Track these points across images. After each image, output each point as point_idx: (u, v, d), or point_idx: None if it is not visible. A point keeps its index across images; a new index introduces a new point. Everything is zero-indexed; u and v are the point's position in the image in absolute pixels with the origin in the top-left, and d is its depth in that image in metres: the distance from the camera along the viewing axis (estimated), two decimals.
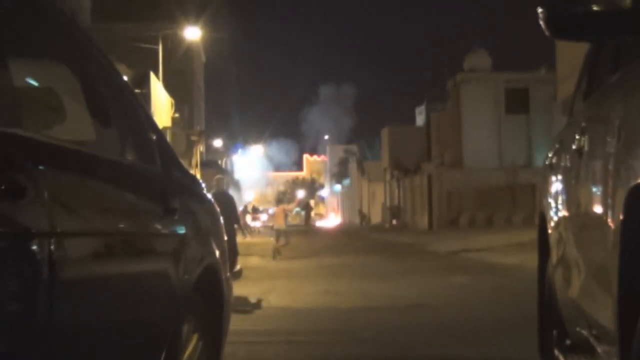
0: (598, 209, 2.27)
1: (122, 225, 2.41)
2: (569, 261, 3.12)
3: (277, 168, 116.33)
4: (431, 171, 44.20)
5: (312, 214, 25.39)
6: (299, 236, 41.40)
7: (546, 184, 3.88)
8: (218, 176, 15.20)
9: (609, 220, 2.04)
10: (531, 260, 17.69)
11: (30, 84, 2.40)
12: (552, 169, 3.69)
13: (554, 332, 3.78)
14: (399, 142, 54.88)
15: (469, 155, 43.31)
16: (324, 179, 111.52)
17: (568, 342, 3.45)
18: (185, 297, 2.88)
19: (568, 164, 3.13)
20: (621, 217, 1.82)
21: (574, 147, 2.81)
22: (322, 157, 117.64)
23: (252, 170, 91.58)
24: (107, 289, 2.23)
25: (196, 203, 3.35)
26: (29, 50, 2.30)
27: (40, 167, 1.89)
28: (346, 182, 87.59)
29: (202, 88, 59.97)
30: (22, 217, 1.77)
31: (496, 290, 12.02)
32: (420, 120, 61.76)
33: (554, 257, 3.54)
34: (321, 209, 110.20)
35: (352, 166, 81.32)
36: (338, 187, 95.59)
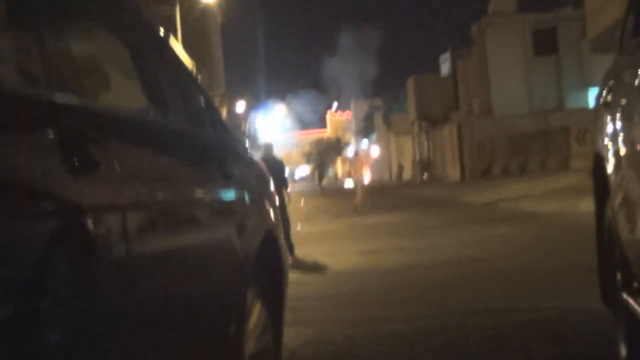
0: None
1: (187, 193, 2.43)
2: (637, 202, 3.09)
3: (303, 126, 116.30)
4: (460, 121, 43.94)
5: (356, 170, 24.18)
6: (329, 198, 41.45)
7: (601, 123, 3.83)
8: (266, 142, 15.16)
9: None
10: (570, 206, 17.66)
11: (76, 51, 2.40)
12: (609, 107, 3.65)
13: (618, 276, 3.77)
14: (425, 92, 54.53)
15: (498, 102, 42.95)
16: (349, 137, 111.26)
17: (636, 284, 3.44)
18: (250, 263, 2.90)
19: (631, 101, 3.09)
20: None
21: (637, 82, 2.77)
22: (347, 114, 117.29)
23: (275, 132, 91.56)
24: (176, 260, 2.25)
25: (247, 167, 3.36)
26: (77, 17, 2.30)
27: (110, 140, 1.90)
28: (373, 137, 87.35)
29: (220, 49, 59.81)
30: (96, 191, 1.78)
31: (538, 239, 12.00)
32: (445, 68, 61.25)
33: (617, 198, 3.51)
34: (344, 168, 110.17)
35: (378, 120, 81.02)
36: (365, 143, 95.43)
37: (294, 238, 12.58)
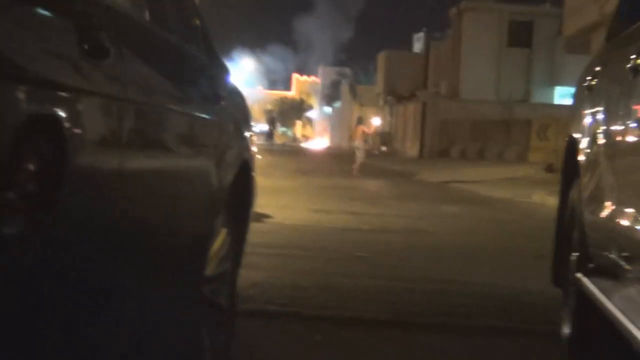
0: None
1: (183, 105, 2.41)
2: (607, 184, 3.14)
3: (269, 85, 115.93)
4: (426, 99, 44.09)
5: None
6: (285, 156, 41.45)
7: (581, 107, 3.87)
8: None
9: None
10: (523, 195, 17.91)
11: None
12: (591, 90, 3.68)
13: (574, 257, 3.83)
14: (395, 68, 54.57)
15: (466, 86, 43.18)
16: (314, 101, 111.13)
17: (591, 265, 3.50)
18: (224, 191, 2.91)
19: (616, 85, 3.13)
20: None
21: (628, 66, 2.80)
22: (313, 78, 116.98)
23: (240, 86, 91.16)
24: (158, 169, 2.24)
25: (233, 95, 3.35)
26: None
27: (120, 33, 1.88)
28: (337, 105, 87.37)
29: None
30: (103, 78, 1.76)
31: (489, 222, 12.16)
32: (417, 47, 61.27)
33: (587, 180, 3.56)
34: (308, 130, 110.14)
35: (345, 89, 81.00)
36: (328, 109, 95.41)
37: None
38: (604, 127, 3.28)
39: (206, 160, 2.73)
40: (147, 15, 2.38)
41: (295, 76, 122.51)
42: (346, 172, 26.16)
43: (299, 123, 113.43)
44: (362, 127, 27.74)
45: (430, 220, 11.70)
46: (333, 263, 7.23)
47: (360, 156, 26.09)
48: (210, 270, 2.96)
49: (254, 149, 3.56)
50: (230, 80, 3.42)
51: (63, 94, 1.64)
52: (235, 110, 3.26)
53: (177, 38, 2.68)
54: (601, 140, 3.29)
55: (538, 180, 20.71)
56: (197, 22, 2.99)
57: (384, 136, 53.68)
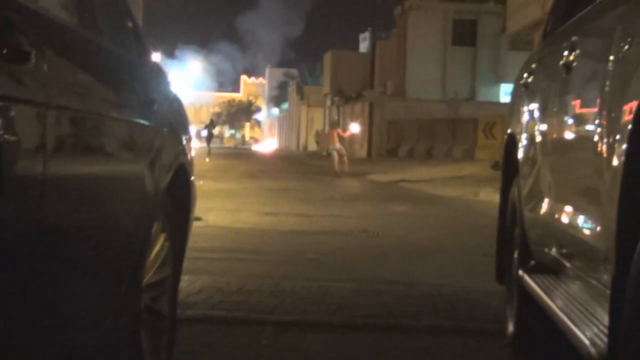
0: (592, 125, 2.29)
1: (107, 110, 2.37)
2: (544, 181, 3.17)
3: (216, 87, 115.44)
4: (373, 99, 44.32)
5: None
6: (234, 158, 41.31)
7: (518, 104, 3.91)
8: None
9: (609, 137, 2.06)
10: (470, 193, 18.07)
11: None
12: (528, 88, 3.72)
13: (516, 254, 3.87)
14: (341, 68, 54.75)
15: (412, 86, 43.50)
16: (262, 103, 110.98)
17: (532, 262, 3.54)
18: (160, 195, 2.87)
19: (550, 82, 3.16)
20: (630, 127, 1.84)
21: (560, 62, 2.83)
22: (261, 80, 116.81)
23: (188, 89, 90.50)
24: (86, 177, 2.19)
25: (168, 98, 3.31)
26: None
27: (42, 36, 1.83)
28: (285, 106, 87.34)
29: None
30: (23, 83, 1.71)
31: (437, 220, 12.26)
32: (363, 47, 61.57)
33: (525, 177, 3.59)
34: (257, 132, 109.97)
35: (292, 90, 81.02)
36: (276, 111, 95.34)
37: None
38: (540, 124, 3.31)
39: (136, 164, 2.69)
40: (71, 16, 2.34)
41: (244, 78, 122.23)
42: (295, 174, 26.16)
43: (247, 125, 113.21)
44: (338, 130, 28.98)
45: (379, 221, 11.74)
46: (281, 266, 7.21)
47: (337, 155, 27.19)
48: (148, 276, 2.92)
49: (192, 152, 3.52)
50: (165, 83, 3.38)
51: None
52: (170, 113, 3.23)
53: (105, 39, 2.64)
54: (537, 137, 3.32)
55: (485, 178, 20.92)
56: (129, 22, 2.95)
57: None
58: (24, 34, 1.74)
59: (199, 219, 10.58)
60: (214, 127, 32.46)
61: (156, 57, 41.31)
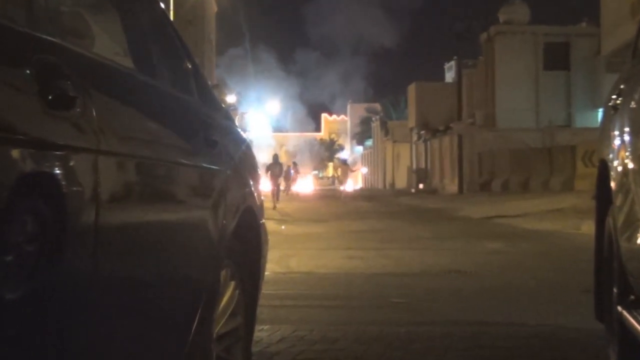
0: None
1: (165, 155, 2.40)
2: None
3: (297, 127, 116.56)
4: (462, 131, 44.01)
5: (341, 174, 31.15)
6: (317, 200, 41.48)
7: (608, 128, 3.82)
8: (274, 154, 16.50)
9: None
10: (571, 227, 17.70)
11: (59, 8, 2.40)
12: (617, 111, 3.64)
13: (615, 290, 3.76)
14: (426, 100, 54.64)
15: (503, 115, 43.08)
16: (344, 140, 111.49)
17: (632, 297, 3.43)
18: (226, 240, 2.89)
19: None
20: None
21: None
22: (342, 117, 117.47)
23: (267, 131, 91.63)
24: (147, 227, 2.22)
25: (233, 139, 3.35)
26: None
27: (88, 80, 1.87)
28: (369, 143, 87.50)
29: (213, 40, 59.83)
30: (71, 128, 1.75)
31: (534, 257, 12.03)
32: (449, 77, 61.37)
33: (620, 206, 3.49)
34: (336, 173, 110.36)
35: (375, 126, 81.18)
36: (359, 148, 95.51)
37: (278, 238, 12.51)
38: (632, 149, 3.23)
39: (199, 210, 2.72)
40: (127, 59, 2.39)
41: (324, 116, 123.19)
42: (383, 214, 26.12)
43: (330, 165, 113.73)
44: (347, 167, 32.94)
45: (472, 259, 11.60)
46: (367, 311, 7.17)
47: (347, 188, 30.39)
48: (219, 327, 2.94)
49: (262, 195, 3.55)
50: (230, 124, 3.42)
51: (50, 151, 1.67)
52: (236, 154, 3.26)
53: (161, 81, 2.68)
54: (630, 162, 3.23)
55: (587, 209, 20.45)
56: (187, 63, 3.01)
57: (419, 173, 53.56)
58: (69, 79, 1.78)
59: (296, 265, 10.67)
60: (279, 165, 31.51)
61: (231, 99, 40.97)
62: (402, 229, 18.77)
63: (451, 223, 21.16)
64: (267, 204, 21.68)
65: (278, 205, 26.11)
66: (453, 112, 48.35)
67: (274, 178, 30.29)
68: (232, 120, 3.60)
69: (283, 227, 19.84)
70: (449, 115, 49.19)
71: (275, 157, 31.25)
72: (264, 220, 3.59)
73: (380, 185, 74.09)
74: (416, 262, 11.30)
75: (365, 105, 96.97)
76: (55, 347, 1.76)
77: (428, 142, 53.55)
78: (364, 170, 33.49)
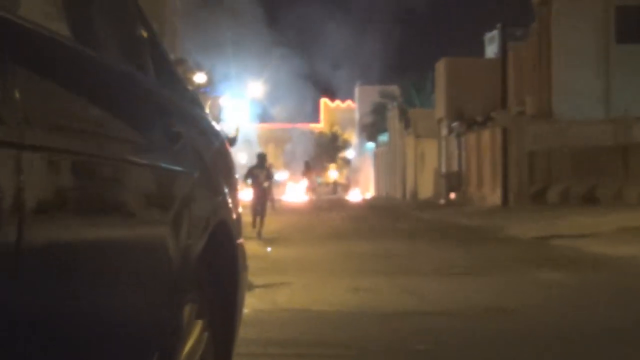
0: None
1: (108, 149, 2.39)
2: None
3: (286, 117, 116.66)
4: (507, 123, 44.06)
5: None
6: (313, 213, 41.50)
7: None
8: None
9: None
10: None
11: None
12: None
13: None
14: (460, 81, 54.69)
15: (561, 102, 43.13)
16: (350, 134, 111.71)
17: None
18: (191, 266, 2.89)
19: None
20: None
21: None
22: (348, 104, 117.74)
23: (247, 120, 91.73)
24: (81, 246, 2.20)
25: (202, 131, 3.36)
26: None
27: (8, 51, 1.87)
28: (383, 138, 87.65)
29: (178, 3, 60.03)
30: None
31: (606, 294, 12.02)
32: (491, 51, 61.51)
33: None
34: (339, 177, 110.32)
35: (392, 116, 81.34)
36: (371, 145, 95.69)
37: (263, 264, 12.51)
38: None
39: (155, 225, 2.70)
40: (61, 24, 2.38)
41: (324, 102, 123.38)
42: (401, 233, 26.15)
43: (332, 167, 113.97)
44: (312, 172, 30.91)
45: (519, 295, 11.61)
46: None
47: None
48: None
49: (239, 206, 3.55)
50: (198, 111, 3.42)
51: None
52: (205, 152, 3.26)
53: (107, 54, 2.67)
54: None
55: None
56: (141, 29, 3.01)
57: (451, 179, 53.61)
58: None
59: (286, 300, 10.66)
60: (264, 168, 26.87)
61: (200, 78, 40.73)
62: (427, 253, 18.79)
63: (492, 246, 21.18)
64: (247, 219, 21.63)
65: (262, 231, 24.87)
66: (495, 98, 48.38)
67: (258, 187, 26.00)
68: (202, 107, 3.61)
69: (269, 249, 19.86)
70: (490, 102, 49.24)
71: (261, 158, 26.82)
72: (242, 240, 3.60)
73: (398, 194, 74.18)
74: (444, 298, 11.32)
75: (379, 88, 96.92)
76: None
77: (462, 138, 53.60)
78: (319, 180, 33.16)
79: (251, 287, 11.15)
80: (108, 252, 2.39)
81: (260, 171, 26.22)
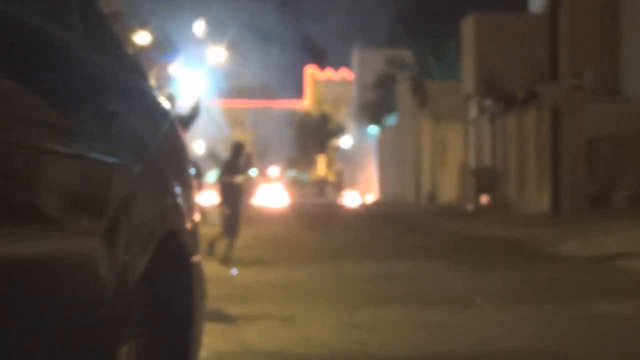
0: None
1: (18, 133, 2.40)
2: None
3: (262, 92, 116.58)
4: (559, 101, 44.16)
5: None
6: (295, 222, 41.51)
7: None
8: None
9: None
10: None
11: None
12: None
13: None
14: (496, 45, 54.82)
15: (633, 74, 43.22)
16: (345, 116, 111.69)
17: None
18: (130, 292, 2.91)
19: None
20: None
21: None
22: (343, 76, 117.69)
23: (208, 95, 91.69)
24: None
25: (146, 111, 3.38)
26: None
27: None
28: (390, 121, 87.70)
29: None
30: None
31: None
32: (536, 4, 61.47)
33: None
34: (330, 174, 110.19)
35: (403, 90, 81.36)
36: (373, 129, 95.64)
37: (229, 290, 12.48)
38: None
39: (81, 236, 2.72)
40: None
41: (311, 72, 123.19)
42: (415, 249, 26.20)
43: (321, 159, 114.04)
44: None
45: (570, 333, 11.67)
46: None
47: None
48: None
49: (197, 212, 3.56)
50: (141, 83, 3.42)
51: None
52: (151, 138, 3.27)
53: (16, 5, 2.68)
54: None
55: None
56: None
57: (482, 176, 53.65)
58: None
59: (260, 339, 10.67)
60: (238, 163, 25.59)
61: (144, 38, 40.87)
62: (450, 277, 18.82)
63: (537, 267, 21.23)
64: (208, 230, 21.48)
65: (233, 248, 23.96)
66: (542, 67, 48.49)
67: (230, 190, 24.73)
68: (146, 78, 3.62)
69: (234, 270, 19.87)
70: (536, 73, 49.32)
71: (238, 148, 25.64)
72: (199, 257, 3.61)
73: (410, 197, 74.28)
74: (473, 338, 11.35)
75: (386, 52, 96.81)
76: None
77: (498, 121, 53.69)
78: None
79: (213, 320, 11.16)
80: (21, 274, 2.40)
81: (233, 167, 25.18)
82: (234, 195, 23.92)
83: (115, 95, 3.07)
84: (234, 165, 24.21)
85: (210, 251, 22.39)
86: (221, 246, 22.92)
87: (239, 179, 24.33)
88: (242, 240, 26.79)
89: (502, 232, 32.60)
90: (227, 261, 21.91)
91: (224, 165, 25.11)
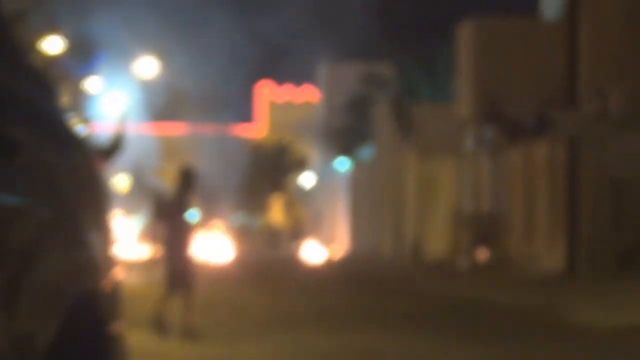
0: None
1: None
2: None
3: (202, 114, 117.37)
4: (577, 130, 44.49)
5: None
6: (247, 280, 41.69)
7: None
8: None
9: None
10: None
11: None
12: None
13: None
14: (499, 57, 55.16)
15: None
16: (308, 147, 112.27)
17: None
18: None
19: None
20: None
21: None
22: (306, 91, 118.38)
23: (135, 118, 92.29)
24: None
25: (56, 138, 3.36)
26: None
27: None
28: (365, 152, 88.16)
29: None
30: None
31: None
32: (550, 7, 61.95)
33: None
34: (287, 219, 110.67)
35: (381, 114, 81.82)
36: (344, 162, 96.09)
37: None
38: None
39: None
40: None
41: (265, 90, 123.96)
42: (398, 321, 26.34)
43: (277, 200, 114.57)
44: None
45: None
46: None
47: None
48: None
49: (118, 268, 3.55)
50: (50, 104, 3.41)
51: None
52: (62, 174, 3.27)
53: None
54: None
55: None
56: None
57: (480, 225, 53.91)
58: None
59: None
60: (188, 199, 24.50)
61: (54, 46, 41.51)
62: (439, 356, 18.90)
63: (549, 342, 21.34)
64: (147, 292, 21.40)
65: (190, 317, 23.48)
66: (556, 87, 48.85)
67: (181, 232, 23.76)
68: (55, 97, 3.61)
69: (164, 343, 19.90)
70: (549, 94, 49.70)
71: (188, 177, 24.29)
72: (122, 327, 3.59)
73: (389, 249, 74.58)
74: None
75: (360, 66, 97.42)
76: None
77: (500, 155, 54.00)
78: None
79: None
80: None
81: (185, 204, 24.11)
82: (183, 240, 23.24)
83: (14, 120, 3.06)
84: (183, 201, 23.31)
85: (160, 325, 21.73)
86: (173, 312, 22.35)
87: (192, 219, 23.52)
88: (177, 304, 26.88)
89: (505, 297, 32.73)
90: (190, 333, 21.32)
91: (171, 200, 24.12)
